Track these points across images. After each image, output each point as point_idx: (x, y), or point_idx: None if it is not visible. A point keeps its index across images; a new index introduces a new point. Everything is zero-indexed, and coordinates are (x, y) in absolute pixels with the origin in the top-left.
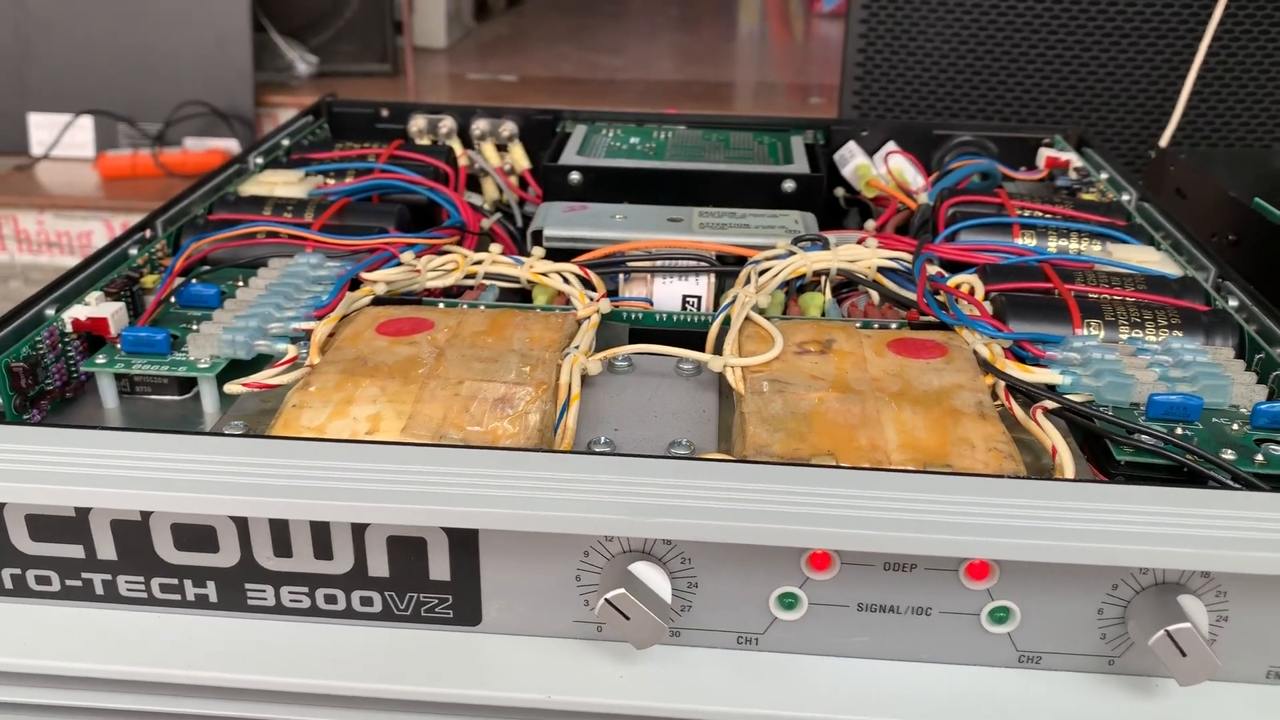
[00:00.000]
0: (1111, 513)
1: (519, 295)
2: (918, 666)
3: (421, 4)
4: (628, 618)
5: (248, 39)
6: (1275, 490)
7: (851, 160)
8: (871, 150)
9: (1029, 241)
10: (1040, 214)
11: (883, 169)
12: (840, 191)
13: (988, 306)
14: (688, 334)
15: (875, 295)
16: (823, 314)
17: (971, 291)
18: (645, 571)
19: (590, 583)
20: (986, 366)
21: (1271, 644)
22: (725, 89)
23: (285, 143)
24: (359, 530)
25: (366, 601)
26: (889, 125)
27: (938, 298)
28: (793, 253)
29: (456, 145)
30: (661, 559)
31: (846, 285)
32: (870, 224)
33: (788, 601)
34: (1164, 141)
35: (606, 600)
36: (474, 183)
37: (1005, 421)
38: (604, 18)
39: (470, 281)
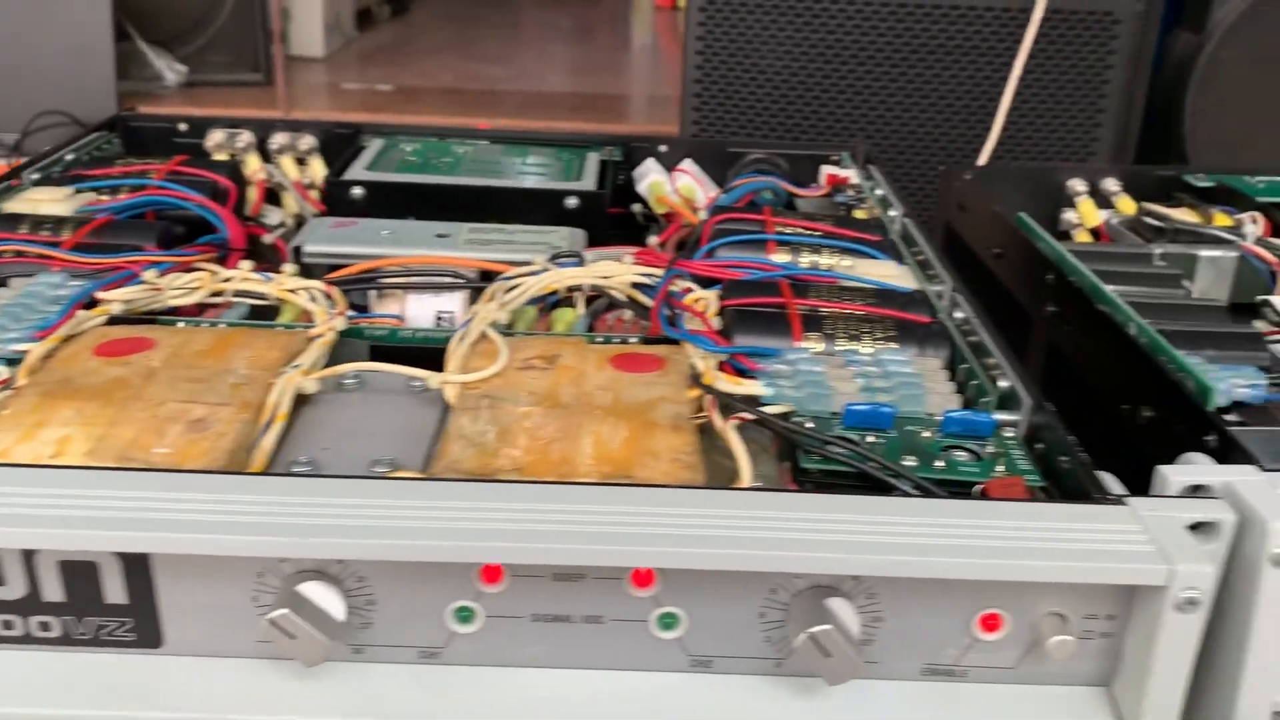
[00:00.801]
0: (766, 520)
1: (273, 313)
2: (594, 674)
3: (299, 13)
4: (293, 636)
5: (109, 47)
6: (951, 496)
7: (646, 177)
8: (671, 167)
9: (782, 257)
10: (801, 230)
11: (679, 184)
12: (638, 208)
13: (716, 321)
14: (437, 351)
15: (628, 312)
16: (571, 330)
17: (705, 307)
18: (314, 591)
19: (267, 603)
20: (693, 380)
21: (924, 643)
22: (605, 101)
23: (69, 158)
24: (28, 555)
25: (45, 626)
26: (688, 143)
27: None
28: (547, 269)
29: (254, 160)
30: (336, 577)
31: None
32: (652, 240)
33: (463, 615)
34: (983, 159)
35: (270, 621)
36: (275, 197)
37: (713, 434)
38: (495, 28)
39: (218, 300)
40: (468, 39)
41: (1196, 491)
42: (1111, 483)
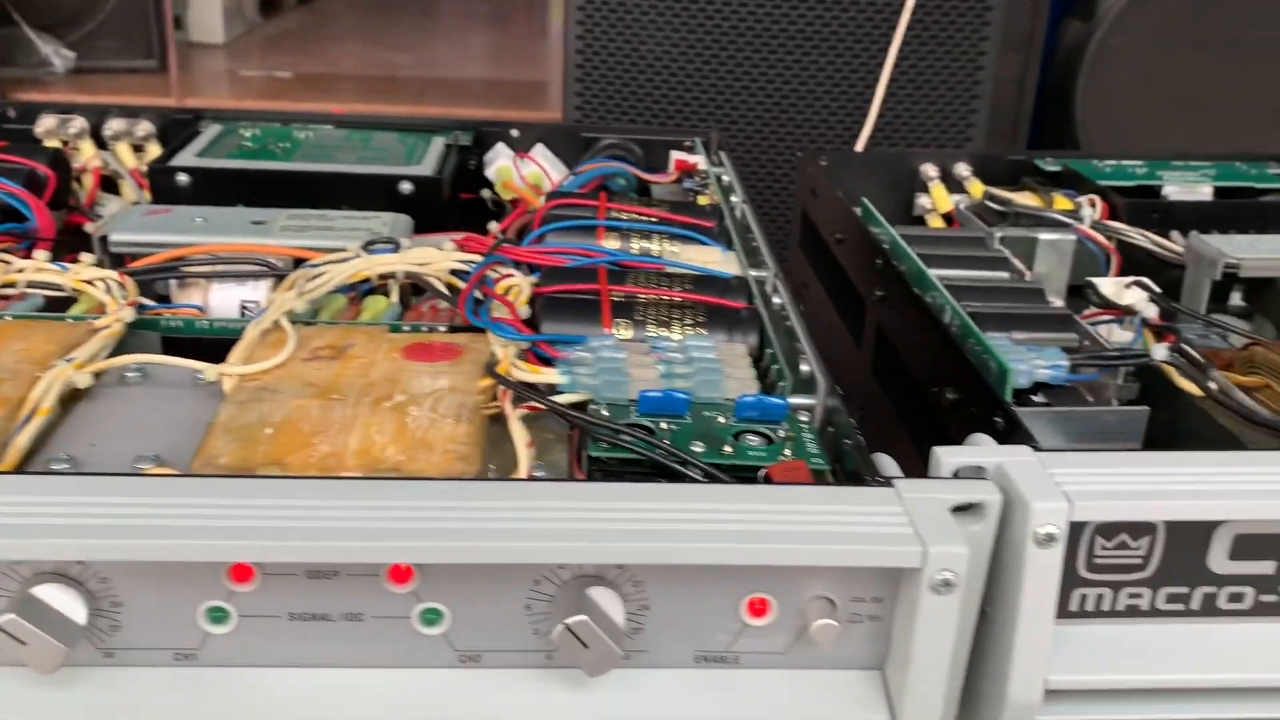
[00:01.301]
0: (524, 511)
1: (71, 305)
2: (358, 672)
3: None
4: (24, 643)
5: None
6: (739, 481)
7: (495, 162)
8: (524, 151)
9: (612, 244)
10: (636, 216)
11: (527, 170)
12: (488, 193)
13: (524, 309)
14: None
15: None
16: (378, 319)
17: (517, 294)
18: (49, 594)
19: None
20: (487, 369)
21: (694, 630)
22: (509, 88)
23: None
24: None
25: None
26: (540, 128)
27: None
28: (358, 256)
29: (88, 147)
30: (78, 579)
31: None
32: (494, 226)
33: (216, 616)
34: (860, 145)
35: None
36: (112, 184)
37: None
38: (408, 15)
39: (11, 291)
40: (378, 26)
41: (973, 473)
42: (888, 465)
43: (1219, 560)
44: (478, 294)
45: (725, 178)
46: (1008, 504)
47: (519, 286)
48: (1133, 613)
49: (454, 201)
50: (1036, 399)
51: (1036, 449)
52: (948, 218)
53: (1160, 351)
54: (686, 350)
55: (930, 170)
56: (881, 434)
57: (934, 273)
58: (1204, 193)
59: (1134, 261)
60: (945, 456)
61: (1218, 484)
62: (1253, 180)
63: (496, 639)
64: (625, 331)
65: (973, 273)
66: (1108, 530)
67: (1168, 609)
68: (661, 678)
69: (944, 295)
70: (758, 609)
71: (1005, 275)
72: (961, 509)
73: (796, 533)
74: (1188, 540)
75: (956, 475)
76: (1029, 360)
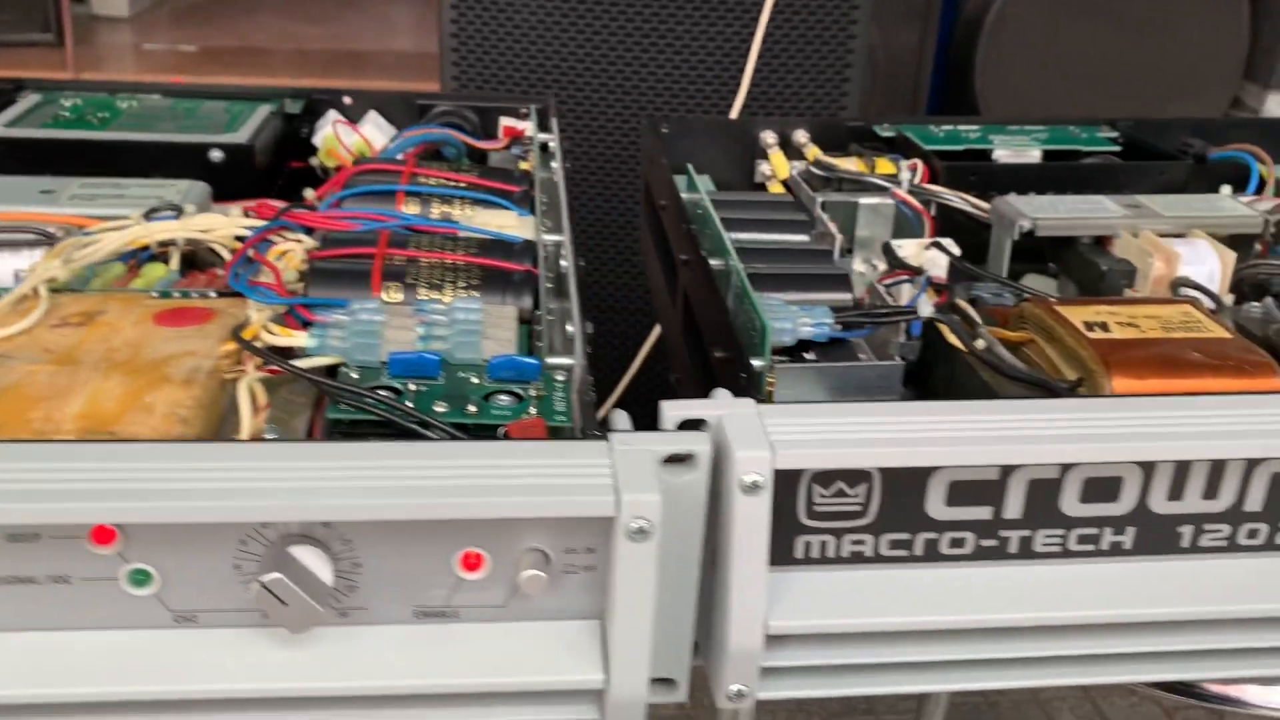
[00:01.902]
0: (227, 470)
1: None
2: (71, 635)
3: None
4: None
5: None
6: (475, 439)
7: (323, 130)
8: (357, 119)
9: (412, 209)
10: (444, 182)
11: (354, 138)
12: (316, 161)
13: (291, 274)
14: None
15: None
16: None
17: (290, 260)
18: None
19: None
20: (232, 333)
21: (410, 585)
22: (419, 60)
23: None
24: None
25: None
26: (375, 95)
27: None
28: (136, 224)
29: None
30: None
31: None
32: (310, 193)
33: None
34: (734, 113)
35: None
36: None
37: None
38: None
39: None
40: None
41: (696, 426)
42: (619, 420)
43: (937, 507)
44: (254, 257)
45: (552, 144)
46: (720, 454)
47: (294, 252)
48: (857, 559)
49: (276, 170)
50: (809, 356)
51: (762, 401)
52: (786, 184)
53: (926, 308)
54: (452, 313)
55: (769, 137)
56: (691, 396)
57: (733, 236)
58: (1033, 156)
59: (954, 224)
60: (670, 410)
61: (926, 432)
62: (1081, 144)
63: (210, 599)
64: (395, 295)
65: (773, 236)
66: (824, 478)
67: (891, 555)
68: (381, 634)
69: (733, 258)
70: (471, 563)
71: (804, 238)
72: (677, 460)
73: (494, 486)
74: (905, 487)
75: (681, 428)
76: (795, 319)
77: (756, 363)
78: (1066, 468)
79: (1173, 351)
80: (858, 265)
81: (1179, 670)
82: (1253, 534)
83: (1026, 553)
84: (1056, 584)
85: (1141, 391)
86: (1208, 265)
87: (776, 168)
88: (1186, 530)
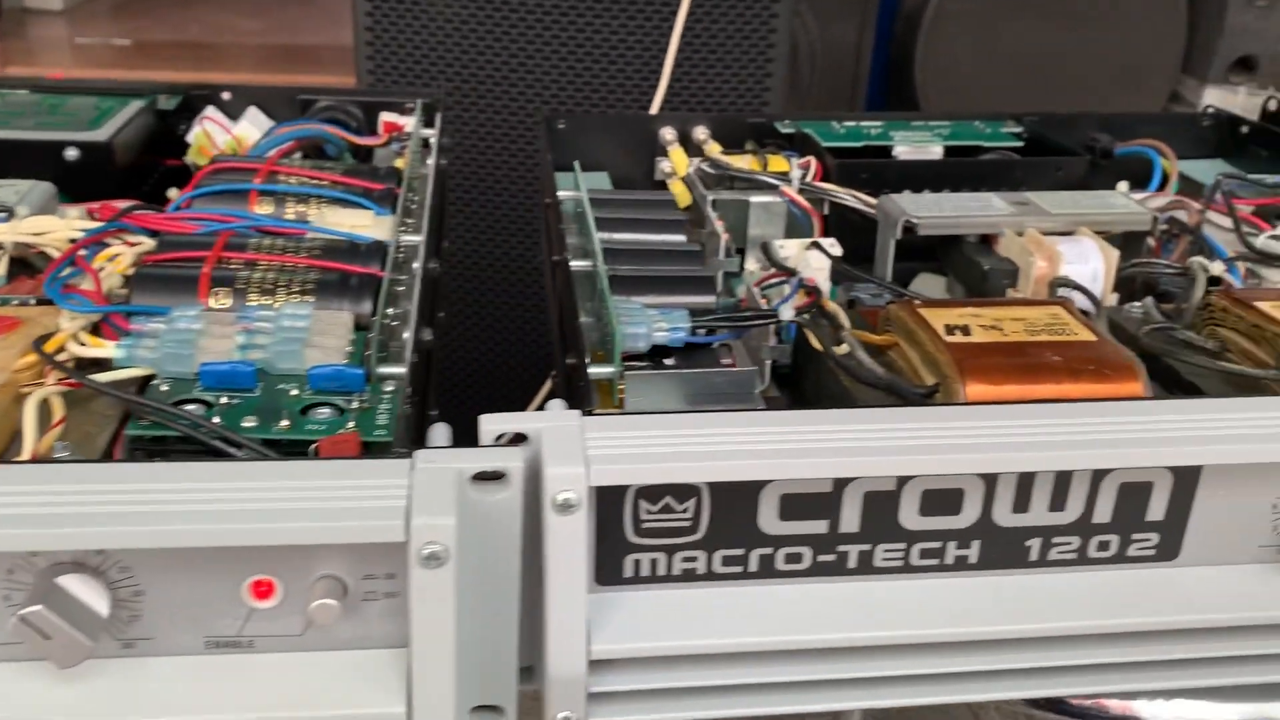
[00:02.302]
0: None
1: None
2: None
3: None
4: None
5: None
6: (295, 456)
7: (196, 126)
8: (237, 115)
9: (265, 209)
10: (306, 180)
11: (226, 137)
12: (190, 160)
13: (118, 279)
14: None
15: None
16: None
17: (119, 265)
18: None
19: None
20: (34, 345)
21: (198, 614)
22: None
23: None
24: None
25: None
26: (255, 90)
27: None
28: None
29: None
30: None
31: None
32: (174, 193)
33: None
34: (654, 108)
35: None
36: None
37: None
38: None
39: None
40: None
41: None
42: (438, 435)
43: (770, 521)
44: (77, 262)
45: (433, 139)
46: (533, 471)
47: (124, 256)
48: (690, 577)
49: (146, 169)
50: (669, 362)
51: (590, 412)
52: (687, 181)
53: (788, 311)
54: (279, 319)
55: (668, 134)
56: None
57: (606, 236)
58: (934, 153)
59: (848, 223)
60: (488, 424)
61: (755, 444)
62: (984, 139)
63: None
64: (224, 301)
65: (647, 236)
66: (651, 494)
67: (725, 572)
68: (170, 665)
69: (597, 259)
70: (262, 591)
71: (679, 239)
72: (489, 477)
73: (274, 510)
74: (735, 502)
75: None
76: (651, 323)
77: (601, 370)
78: (903, 480)
79: (1032, 356)
80: (750, 265)
81: (1032, 688)
82: (1103, 546)
83: (867, 568)
84: (899, 600)
85: (995, 398)
86: (1091, 264)
87: (676, 165)
88: (1034, 543)
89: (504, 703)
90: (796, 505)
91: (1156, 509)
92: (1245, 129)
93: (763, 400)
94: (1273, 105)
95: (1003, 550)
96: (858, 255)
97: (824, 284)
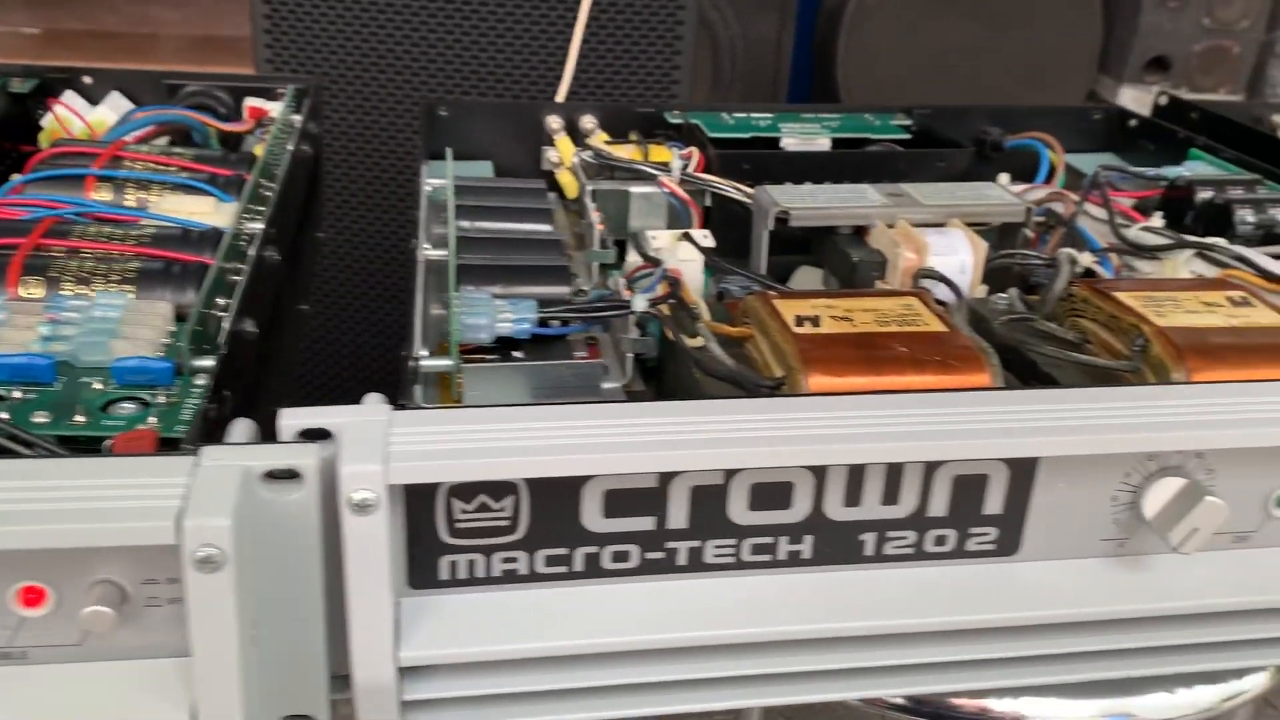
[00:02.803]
0: None
1: None
2: None
3: None
4: None
5: None
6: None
7: (50, 113)
8: (98, 100)
9: (103, 195)
10: (151, 166)
11: (86, 121)
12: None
13: None
14: None
15: None
16: None
17: None
18: None
19: None
20: None
21: None
22: None
23: None
24: None
25: None
26: (119, 75)
27: None
28: None
29: None
30: None
31: None
32: (17, 179)
33: None
34: (560, 96)
35: None
36: None
37: None
38: None
39: None
40: None
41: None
42: (238, 431)
43: (594, 518)
44: None
45: (300, 125)
46: (330, 468)
47: None
48: (511, 578)
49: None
50: (517, 354)
51: (400, 407)
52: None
53: (641, 302)
54: (90, 310)
55: (554, 123)
56: None
57: (465, 224)
58: (821, 144)
59: (731, 214)
60: (289, 419)
61: (574, 438)
62: (873, 131)
63: None
64: (35, 290)
65: (510, 225)
66: (464, 492)
67: (549, 573)
68: None
69: (448, 248)
70: (31, 599)
71: (544, 228)
72: (281, 476)
73: (35, 512)
74: (556, 499)
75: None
76: (495, 314)
77: (436, 363)
78: (731, 473)
79: (878, 347)
80: (632, 256)
81: (869, 687)
82: (940, 541)
83: (698, 565)
84: (731, 598)
85: (838, 390)
86: (960, 255)
87: (563, 154)
88: (869, 538)
89: (316, 712)
90: (621, 501)
91: (994, 503)
92: (1134, 123)
93: (623, 394)
94: (1163, 100)
95: (836, 545)
96: (742, 247)
97: (695, 276)
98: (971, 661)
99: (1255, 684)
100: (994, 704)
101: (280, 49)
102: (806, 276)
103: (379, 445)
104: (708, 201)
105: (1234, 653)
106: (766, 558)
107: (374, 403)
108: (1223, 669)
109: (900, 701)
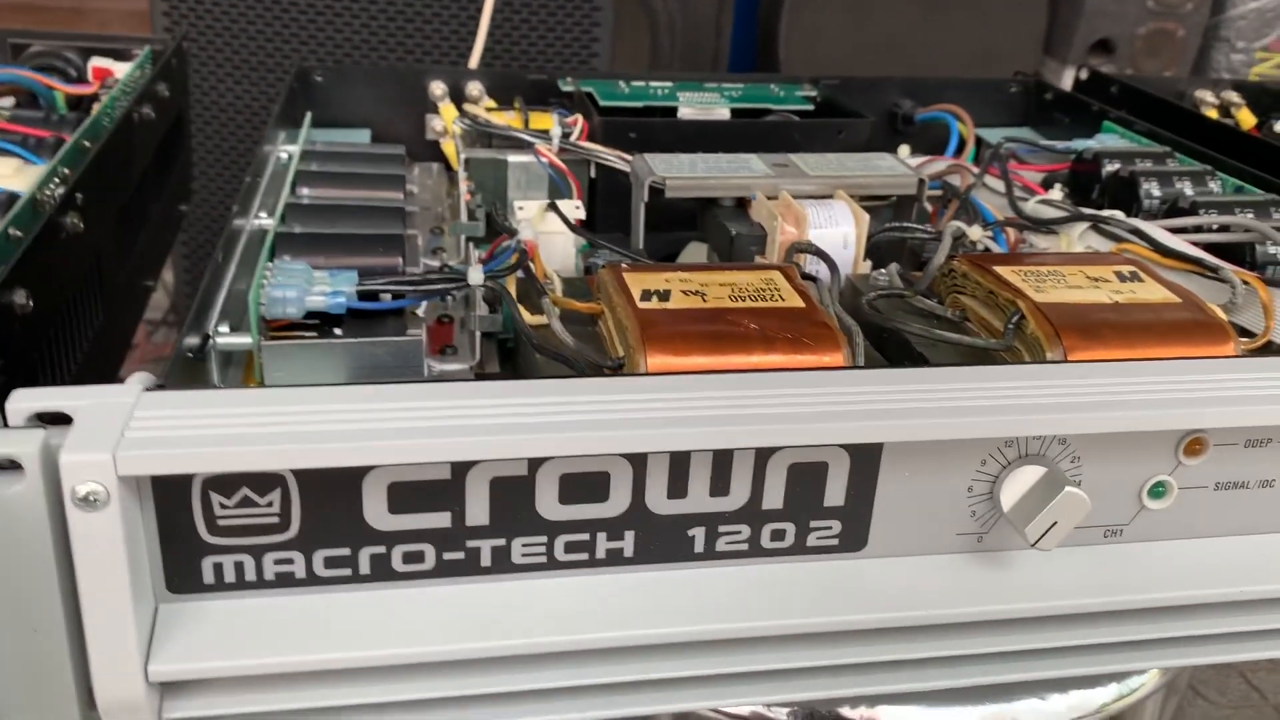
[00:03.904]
0: None
1: None
2: None
3: None
4: None
5: None
6: None
7: None
8: None
9: None
10: None
11: None
12: None
13: None
14: None
15: None
16: None
17: None
18: None
19: None
20: None
21: None
22: None
23: None
24: None
25: None
26: None
27: None
28: None
29: None
30: None
31: None
32: None
33: None
34: (473, 63)
35: None
36: None
37: None
38: None
39: None
40: None
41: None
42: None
43: (378, 515)
44: None
45: (160, 87)
46: (53, 458)
47: None
48: (287, 582)
49: None
50: (338, 331)
51: (153, 388)
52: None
53: (476, 275)
54: None
55: (437, 89)
56: None
57: (308, 192)
58: (720, 114)
59: (618, 185)
60: (19, 401)
61: (351, 424)
62: (775, 102)
63: None
64: None
65: (355, 192)
66: (224, 485)
67: (331, 575)
68: None
69: (274, 216)
70: None
71: (393, 196)
72: (5, 465)
73: None
74: (332, 493)
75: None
76: (308, 287)
77: (235, 340)
78: (536, 463)
79: (727, 324)
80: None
81: (702, 697)
82: (778, 535)
83: (504, 566)
84: (545, 601)
85: (679, 369)
86: (842, 228)
87: (446, 121)
88: (698, 533)
89: None
90: (410, 495)
91: (835, 493)
92: (1050, 96)
93: (470, 375)
94: (1084, 74)
95: (662, 542)
96: (630, 222)
97: (563, 249)
98: (815, 668)
99: (1138, 686)
100: (860, 712)
101: (179, 16)
102: (696, 253)
103: (114, 431)
104: (592, 173)
105: (1105, 656)
106: (583, 556)
107: (134, 382)
108: (1094, 674)
109: (745, 713)
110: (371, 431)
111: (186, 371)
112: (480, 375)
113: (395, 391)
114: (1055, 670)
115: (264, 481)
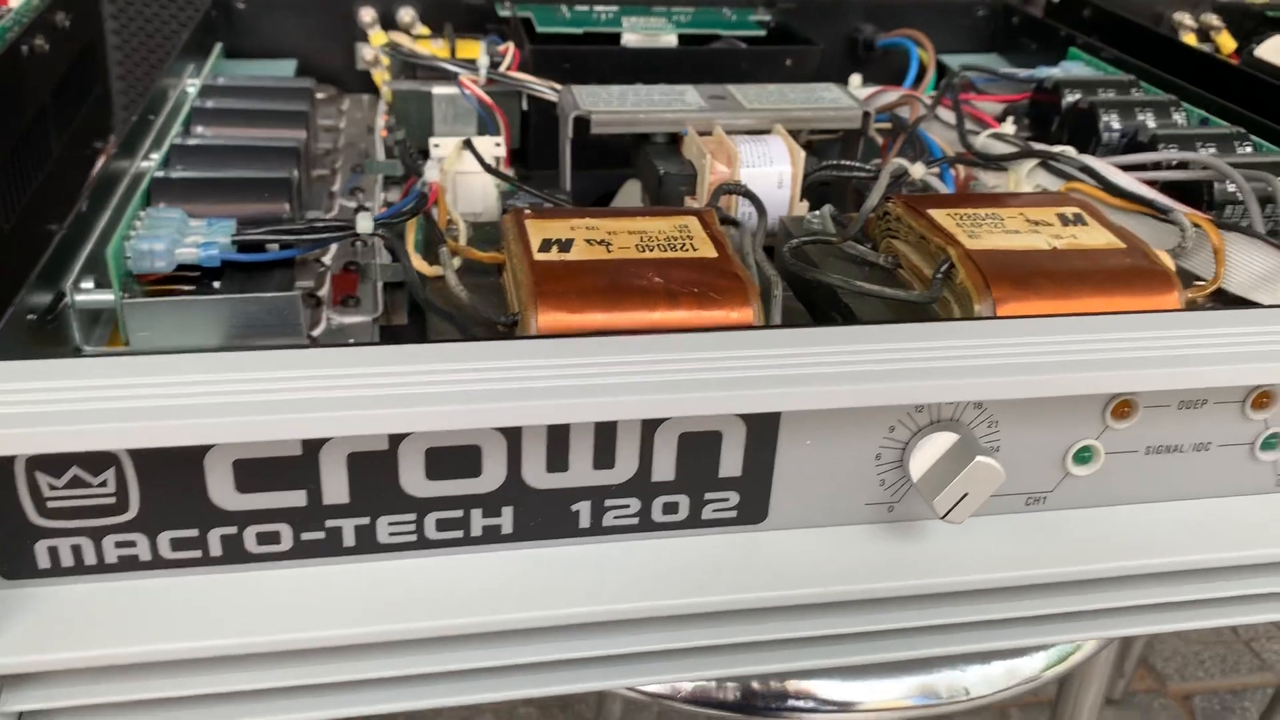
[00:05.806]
0: None
1: None
2: None
3: None
4: None
5: None
6: None
7: None
8: None
9: None
10: None
11: None
12: None
13: None
14: None
15: None
16: None
17: None
18: None
19: None
20: None
21: None
22: None
23: None
24: None
25: None
26: None
27: None
28: None
29: None
30: None
31: None
32: None
33: None
34: None
35: None
36: None
37: None
38: None
39: None
40: None
41: None
42: None
43: (225, 493)
44: None
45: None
46: None
47: None
48: (131, 565)
49: None
50: (217, 285)
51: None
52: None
53: (365, 222)
54: None
55: (366, 15)
56: None
57: (199, 130)
58: (667, 41)
59: (551, 121)
60: None
61: (179, 397)
62: (726, 27)
63: None
64: None
65: (252, 131)
66: (51, 464)
67: (179, 558)
68: None
69: (151, 159)
70: None
71: (294, 134)
72: None
73: None
74: (173, 472)
75: None
76: (178, 239)
77: (96, 296)
78: (397, 439)
79: (628, 277)
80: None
81: (603, 678)
82: (671, 509)
83: (370, 546)
84: (416, 583)
85: (568, 329)
86: (778, 167)
87: (375, 50)
88: (583, 507)
89: None
90: (258, 473)
91: (731, 464)
92: (1016, 20)
93: (373, 330)
94: None
95: (544, 517)
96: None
97: (488, 190)
98: (715, 647)
99: (1075, 649)
100: (794, 684)
101: None
102: (632, 193)
103: None
104: (526, 106)
105: (1026, 629)
106: (457, 534)
107: None
108: (1018, 646)
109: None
110: (207, 407)
111: (38, 335)
112: (385, 328)
113: (238, 360)
114: (975, 644)
115: (95, 461)
